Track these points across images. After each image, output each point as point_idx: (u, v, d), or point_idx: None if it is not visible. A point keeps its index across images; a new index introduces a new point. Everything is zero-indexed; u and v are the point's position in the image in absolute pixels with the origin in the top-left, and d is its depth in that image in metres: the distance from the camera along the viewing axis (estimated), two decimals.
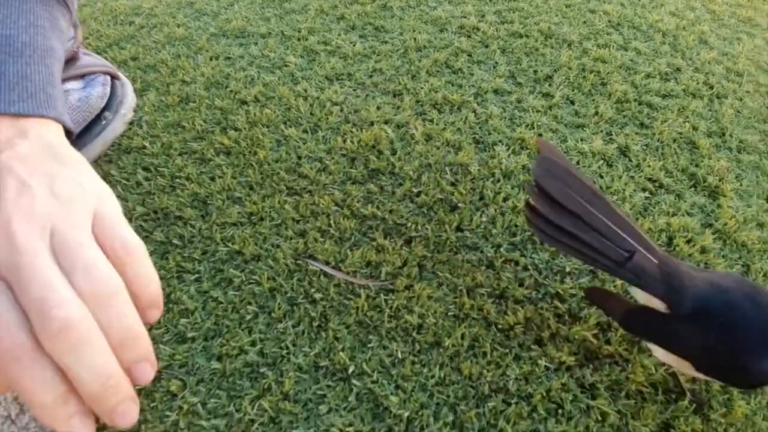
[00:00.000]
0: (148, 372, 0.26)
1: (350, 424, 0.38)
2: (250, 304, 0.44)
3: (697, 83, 0.67)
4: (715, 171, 0.56)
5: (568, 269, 0.46)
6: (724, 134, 0.61)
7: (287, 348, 0.41)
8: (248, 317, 0.43)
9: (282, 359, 0.41)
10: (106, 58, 0.63)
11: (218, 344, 0.42)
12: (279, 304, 0.43)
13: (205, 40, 0.69)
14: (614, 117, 0.60)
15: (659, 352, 0.40)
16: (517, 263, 0.46)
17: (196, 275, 0.46)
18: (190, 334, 0.42)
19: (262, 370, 0.41)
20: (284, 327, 0.42)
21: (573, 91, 0.62)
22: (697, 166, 0.57)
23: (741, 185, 0.57)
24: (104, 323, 0.24)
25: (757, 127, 0.65)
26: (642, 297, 0.39)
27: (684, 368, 0.39)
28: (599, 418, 0.39)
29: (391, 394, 0.39)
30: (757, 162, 0.60)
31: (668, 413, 0.40)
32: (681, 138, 0.59)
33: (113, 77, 0.58)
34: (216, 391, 0.39)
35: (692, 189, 0.55)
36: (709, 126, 0.62)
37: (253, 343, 0.42)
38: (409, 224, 0.48)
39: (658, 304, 0.38)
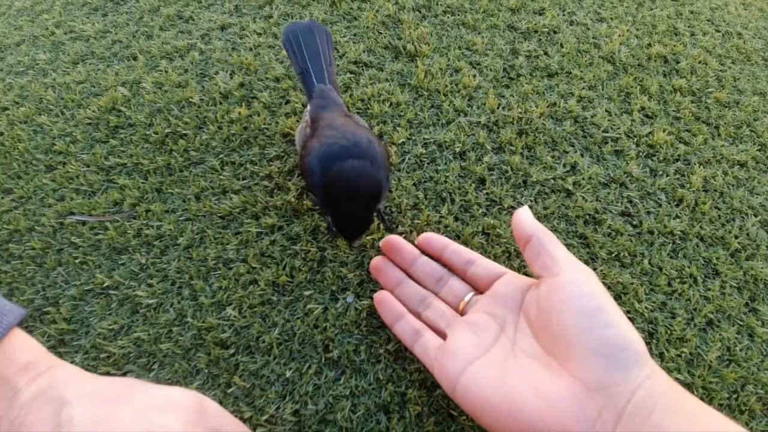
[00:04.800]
0: None
1: (114, 323, 0.51)
2: (29, 265, 0.56)
3: None
4: (415, 38, 0.69)
5: (275, 153, 0.59)
6: (430, 5, 0.74)
7: (61, 286, 0.54)
8: (29, 275, 0.55)
9: (59, 296, 0.54)
10: None
11: (13, 301, 0.54)
12: (50, 257, 0.56)
13: None
14: (326, 18, 0.72)
15: None
16: (234, 163, 0.59)
17: None
18: None
19: (47, 309, 0.53)
20: (56, 273, 0.55)
21: (292, 6, 0.74)
22: (399, 38, 0.70)
23: (442, 43, 0.70)
24: None
25: None
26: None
27: None
28: (304, 256, 0.53)
29: (143, 291, 0.52)
30: (462, 19, 0.73)
31: (362, 238, 0.54)
32: (388, 19, 0.72)
33: None
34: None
35: (393, 60, 0.68)
36: (416, 1, 0.74)
37: (36, 292, 0.54)
38: (144, 161, 0.60)
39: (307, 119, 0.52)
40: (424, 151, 0.59)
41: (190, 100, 0.64)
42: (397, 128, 0.61)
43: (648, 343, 0.52)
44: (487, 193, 0.57)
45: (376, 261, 0.49)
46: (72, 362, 0.50)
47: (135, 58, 0.69)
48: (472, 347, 0.40)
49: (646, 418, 0.32)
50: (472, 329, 0.42)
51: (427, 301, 0.47)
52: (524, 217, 0.43)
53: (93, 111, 0.64)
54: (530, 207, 0.57)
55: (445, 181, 0.57)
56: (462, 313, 0.45)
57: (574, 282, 0.38)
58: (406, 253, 0.49)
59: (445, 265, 0.49)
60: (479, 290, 0.46)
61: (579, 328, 0.35)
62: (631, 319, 0.53)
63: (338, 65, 0.66)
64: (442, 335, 0.44)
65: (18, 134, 0.66)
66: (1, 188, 0.62)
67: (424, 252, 0.50)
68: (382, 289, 0.49)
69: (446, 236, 0.54)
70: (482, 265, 0.46)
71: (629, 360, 0.34)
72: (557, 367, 0.36)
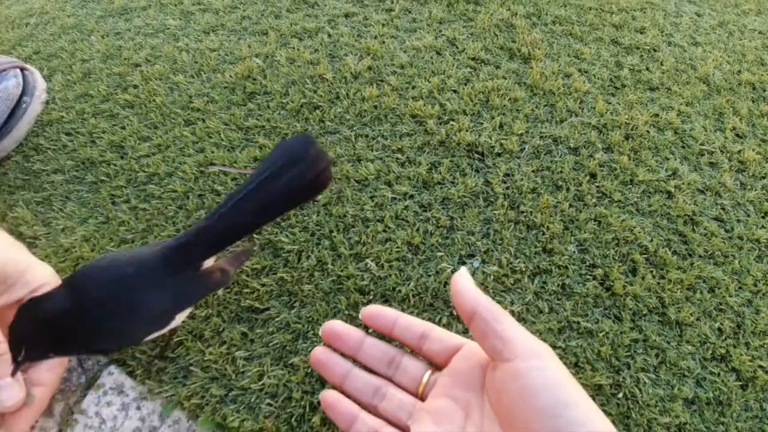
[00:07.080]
0: None
1: (257, 263, 0.58)
2: (170, 205, 0.63)
3: None
4: (528, 43, 0.77)
5: (405, 131, 0.67)
6: (540, 14, 0.83)
7: None
8: (170, 214, 0.62)
9: None
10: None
11: (151, 239, 0.61)
12: (192, 200, 0.62)
13: (94, 23, 0.86)
14: (444, 17, 0.80)
15: None
16: (366, 136, 0.66)
17: (125, 197, 0.64)
18: (128, 237, 0.61)
19: None
20: (198, 215, 0.62)
21: (411, 2, 0.82)
22: (513, 41, 0.78)
23: (552, 49, 0.78)
24: None
25: (573, 3, 0.87)
26: None
27: None
28: (436, 222, 0.60)
29: (285, 238, 0.59)
30: (570, 30, 0.81)
31: (488, 212, 0.62)
32: (502, 23, 0.80)
33: (22, 69, 0.75)
34: None
35: (509, 60, 0.76)
36: (527, 10, 0.83)
37: (177, 230, 0.61)
38: (282, 125, 0.67)
39: None
40: (541, 143, 0.66)
41: (323, 76, 0.71)
42: (516, 120, 0.68)
43: (735, 333, 0.59)
44: (597, 186, 0.64)
45: (317, 353, 0.44)
46: (215, 296, 0.57)
47: (266, 34, 0.77)
48: None
49: None
50: (434, 420, 0.39)
51: (382, 392, 0.42)
52: (463, 289, 0.37)
53: (229, 76, 0.72)
54: (635, 203, 0.64)
55: (561, 171, 0.64)
56: (422, 398, 0.42)
57: (531, 373, 0.34)
58: (350, 339, 0.44)
59: (397, 341, 0.44)
60: (438, 365, 0.43)
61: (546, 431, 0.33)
62: (722, 311, 0.59)
63: (458, 59, 0.74)
64: (405, 429, 0.40)
65: (154, 88, 0.73)
66: (138, 135, 0.69)
67: (370, 328, 0.45)
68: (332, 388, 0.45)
69: (561, 221, 0.61)
70: (437, 338, 0.42)
71: None
72: None
